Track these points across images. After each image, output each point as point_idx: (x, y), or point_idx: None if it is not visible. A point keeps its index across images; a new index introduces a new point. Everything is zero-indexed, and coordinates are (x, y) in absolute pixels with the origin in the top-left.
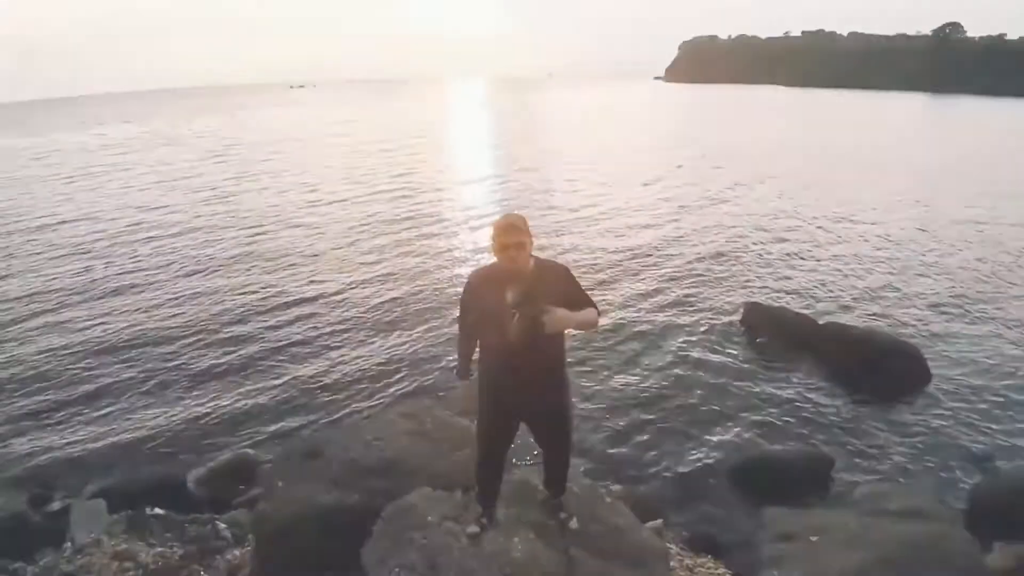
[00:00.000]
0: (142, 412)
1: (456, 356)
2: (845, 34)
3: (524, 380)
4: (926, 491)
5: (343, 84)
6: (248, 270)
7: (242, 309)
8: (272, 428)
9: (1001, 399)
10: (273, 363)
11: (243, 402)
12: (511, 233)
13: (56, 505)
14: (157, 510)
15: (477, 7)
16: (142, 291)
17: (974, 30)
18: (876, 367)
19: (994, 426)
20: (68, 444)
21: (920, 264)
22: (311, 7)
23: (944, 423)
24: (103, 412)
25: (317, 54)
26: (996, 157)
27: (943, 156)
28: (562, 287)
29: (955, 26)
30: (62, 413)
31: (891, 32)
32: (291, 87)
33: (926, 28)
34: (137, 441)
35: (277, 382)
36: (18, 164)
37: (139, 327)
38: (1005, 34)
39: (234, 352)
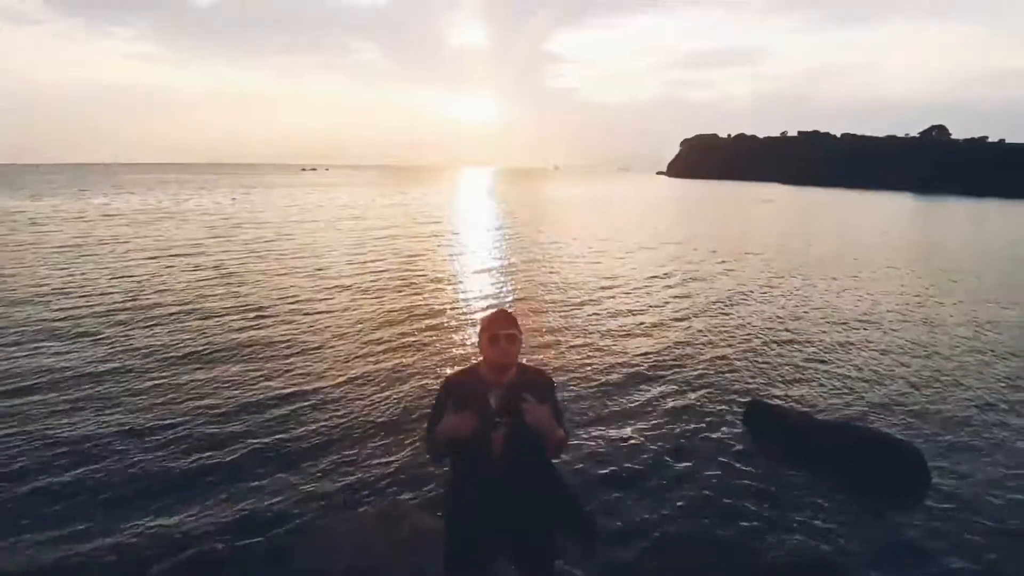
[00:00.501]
0: (98, 520)
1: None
2: (839, 135)
3: (509, 496)
4: None
5: (353, 168)
6: (236, 359)
7: (221, 402)
8: (231, 529)
9: (1002, 508)
10: (227, 456)
11: (194, 496)
12: (504, 323)
13: None
14: None
15: (485, 99)
16: (121, 379)
17: (958, 133)
18: (877, 466)
19: (993, 539)
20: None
21: (927, 363)
22: (322, 92)
23: (943, 528)
24: (58, 519)
25: (328, 138)
26: (995, 259)
27: (946, 258)
28: (545, 399)
29: (941, 128)
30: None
31: (882, 134)
32: (302, 169)
33: (915, 130)
34: (90, 556)
35: (234, 477)
36: (12, 228)
37: (108, 420)
38: (987, 136)
39: (207, 452)
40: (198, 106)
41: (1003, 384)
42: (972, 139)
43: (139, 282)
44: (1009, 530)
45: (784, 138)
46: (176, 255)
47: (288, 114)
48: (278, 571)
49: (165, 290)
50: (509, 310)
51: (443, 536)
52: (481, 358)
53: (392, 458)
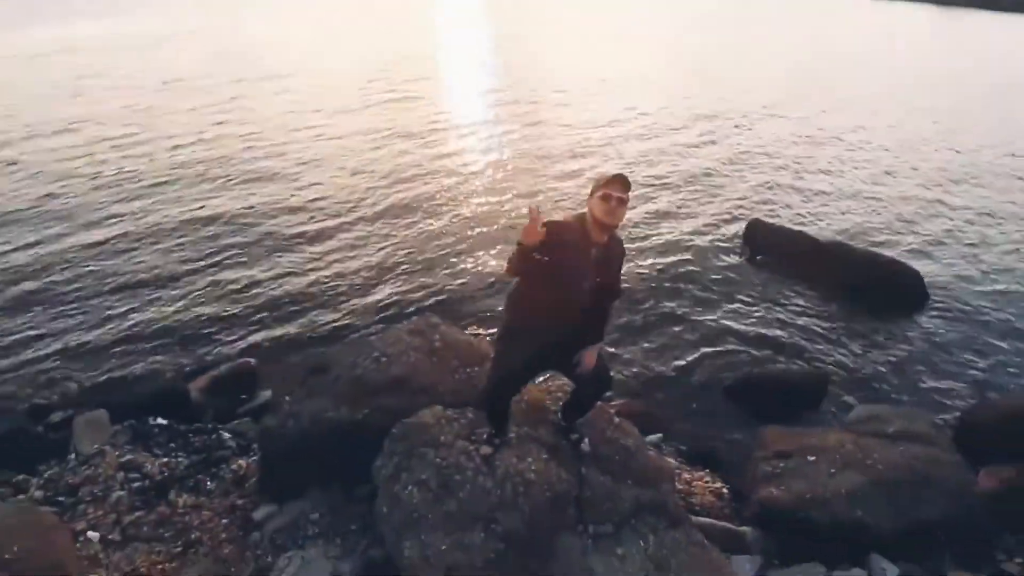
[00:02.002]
0: (141, 320)
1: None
2: None
3: (576, 338)
4: (920, 414)
5: None
6: (260, 181)
7: (251, 218)
8: (276, 340)
9: (997, 325)
10: (277, 275)
11: (246, 313)
12: (620, 186)
13: (58, 417)
14: (160, 420)
15: None
16: (149, 197)
17: None
18: (875, 286)
19: (988, 351)
20: (66, 355)
21: (927, 190)
22: None
23: (940, 346)
24: (100, 322)
25: None
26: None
27: (959, 75)
28: (618, 264)
29: None
30: (58, 322)
31: None
32: None
33: None
34: (137, 350)
35: (280, 293)
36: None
37: (139, 233)
38: None
39: (237, 262)
40: None
41: (1004, 213)
42: None
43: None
44: (1002, 341)
45: None
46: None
47: None
48: (324, 380)
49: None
50: (624, 174)
51: (497, 348)
52: (588, 213)
53: (419, 284)
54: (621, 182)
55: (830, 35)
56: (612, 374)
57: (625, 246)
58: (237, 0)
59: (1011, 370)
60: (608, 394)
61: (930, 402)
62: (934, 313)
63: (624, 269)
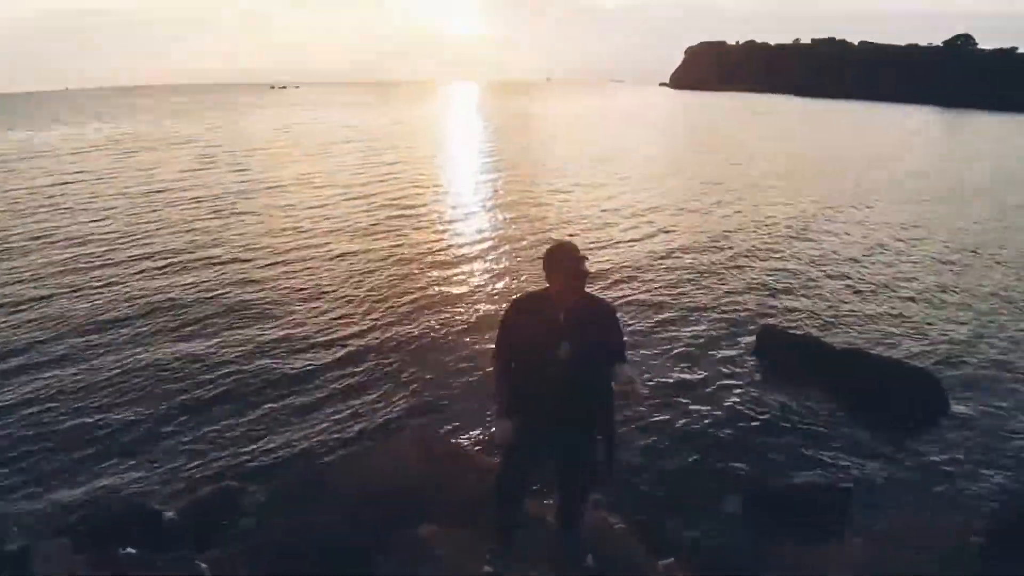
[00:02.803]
0: (109, 433)
1: (495, 390)
2: (856, 43)
3: (569, 407)
4: (941, 525)
5: (328, 86)
6: (256, 295)
7: (235, 324)
8: (262, 456)
9: (1015, 429)
10: (261, 382)
11: (228, 424)
12: (583, 262)
13: (13, 546)
14: (129, 549)
15: (470, 8)
16: (117, 300)
17: (985, 43)
18: (893, 395)
19: (1008, 457)
20: (23, 474)
21: (941, 291)
22: (293, 5)
23: (959, 453)
24: (63, 432)
25: (299, 54)
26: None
27: (970, 177)
28: (607, 321)
29: (967, 38)
30: (14, 435)
31: (903, 42)
32: (271, 87)
33: (938, 39)
34: (104, 467)
35: (267, 404)
36: None
37: (110, 346)
38: (1016, 47)
39: (218, 369)
40: (153, 26)
41: (1011, 310)
42: (1001, 49)
43: (133, 223)
44: (1015, 458)
45: (797, 45)
46: (163, 191)
47: (251, 30)
48: (319, 497)
49: (164, 230)
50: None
51: (498, 448)
52: (551, 286)
53: (419, 388)
54: (579, 258)
55: (839, 136)
56: (621, 490)
57: (644, 344)
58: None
59: None
60: (620, 517)
61: (952, 513)
62: (955, 421)
63: (636, 372)
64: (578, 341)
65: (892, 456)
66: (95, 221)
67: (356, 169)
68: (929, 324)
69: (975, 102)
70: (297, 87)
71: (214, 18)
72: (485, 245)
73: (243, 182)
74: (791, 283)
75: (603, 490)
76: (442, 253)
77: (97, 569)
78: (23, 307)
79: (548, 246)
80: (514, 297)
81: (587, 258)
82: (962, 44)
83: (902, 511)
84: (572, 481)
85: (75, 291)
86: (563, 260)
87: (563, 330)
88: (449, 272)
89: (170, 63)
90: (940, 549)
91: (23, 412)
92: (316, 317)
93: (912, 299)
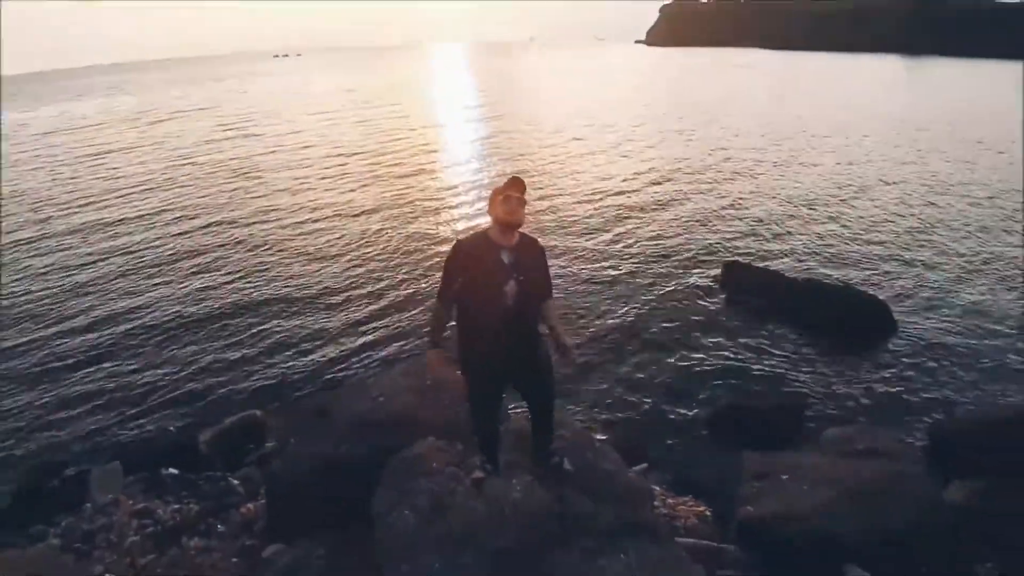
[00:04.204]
0: (150, 377)
1: (430, 326)
2: None
3: (513, 342)
4: (890, 433)
5: (325, 52)
6: (259, 238)
7: (248, 277)
8: (279, 390)
9: (961, 348)
10: (276, 329)
11: (249, 365)
12: (516, 186)
13: (72, 471)
14: (172, 470)
15: None
16: (155, 262)
17: None
18: (846, 320)
19: (953, 373)
20: (80, 412)
21: (892, 223)
22: None
23: (908, 370)
24: (111, 378)
25: (297, 23)
26: (978, 118)
27: (924, 118)
28: (539, 260)
29: None
30: (70, 382)
31: None
32: (275, 56)
33: None
34: (147, 405)
35: (282, 347)
36: (16, 143)
37: (147, 296)
38: None
39: (239, 319)
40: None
41: (966, 244)
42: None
43: (166, 188)
44: (966, 362)
45: (768, 1)
46: (189, 157)
47: (253, 3)
48: (327, 423)
49: (195, 194)
50: (519, 176)
51: (462, 378)
52: (491, 222)
53: (409, 321)
54: (516, 183)
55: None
56: (598, 409)
57: (616, 282)
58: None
59: (975, 390)
60: (598, 430)
61: (899, 422)
62: (902, 340)
63: (609, 308)
64: (521, 279)
65: (843, 375)
66: (130, 189)
67: (362, 129)
68: (883, 255)
69: (939, 49)
70: (299, 55)
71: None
72: (477, 194)
73: (263, 147)
74: (755, 221)
75: (583, 405)
76: (437, 207)
77: (145, 488)
78: (73, 269)
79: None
80: (456, 240)
81: (524, 193)
82: None
83: (851, 424)
84: (535, 393)
85: (117, 252)
86: (503, 190)
87: (508, 269)
88: (439, 225)
89: (172, 36)
90: (885, 457)
91: (74, 356)
92: (322, 270)
93: (868, 235)
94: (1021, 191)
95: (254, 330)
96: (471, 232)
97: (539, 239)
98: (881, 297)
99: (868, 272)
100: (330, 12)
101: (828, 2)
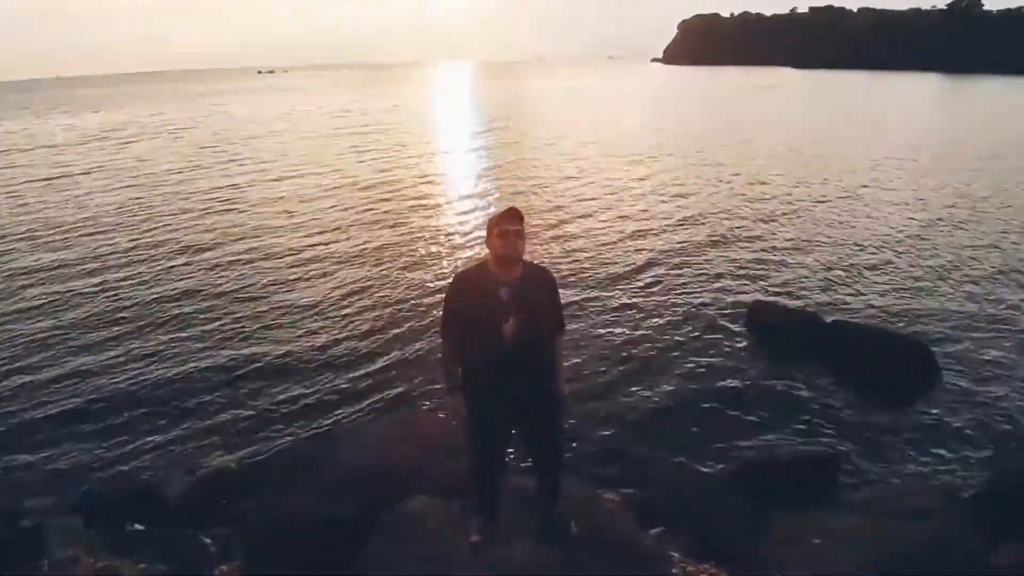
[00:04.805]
0: (116, 421)
1: (442, 368)
2: (855, 9)
3: (518, 382)
4: (932, 490)
5: (315, 70)
6: (236, 273)
7: (226, 314)
8: (257, 439)
9: (1008, 398)
10: (255, 374)
11: (225, 412)
12: (513, 219)
13: (28, 522)
14: (138, 525)
15: None
16: (121, 305)
17: (991, 3)
18: (884, 365)
19: (1000, 425)
20: (38, 458)
21: (935, 261)
22: None
23: (952, 421)
24: (73, 423)
25: (286, 38)
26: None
27: (971, 146)
28: (547, 294)
29: None
30: (31, 427)
31: (904, 6)
32: (259, 72)
33: (941, 2)
34: (113, 453)
35: (261, 393)
36: None
37: (117, 337)
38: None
39: (216, 362)
40: (137, 11)
41: (1006, 281)
42: (1008, 10)
43: (122, 214)
44: (1016, 420)
45: (794, 15)
46: (163, 184)
47: (237, 13)
48: (311, 477)
49: (166, 222)
50: (516, 207)
51: (462, 422)
52: (489, 255)
53: (403, 364)
54: (512, 215)
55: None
56: (610, 463)
57: (631, 321)
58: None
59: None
60: (608, 490)
61: (942, 478)
62: (945, 387)
63: (622, 349)
64: (522, 315)
65: (882, 425)
66: (99, 213)
67: (355, 156)
68: (923, 296)
69: (981, 67)
70: (285, 71)
71: (196, 5)
72: (476, 232)
73: (245, 176)
74: (783, 258)
75: (591, 462)
76: (434, 241)
77: (109, 544)
78: (34, 297)
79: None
80: (455, 274)
81: (523, 224)
82: (967, 6)
83: (890, 481)
84: (541, 445)
85: (83, 279)
86: (499, 223)
87: (507, 306)
88: (438, 260)
89: (156, 49)
90: (928, 518)
91: (34, 399)
92: (307, 307)
93: (906, 271)
94: None
95: (231, 375)
96: (472, 264)
97: (549, 269)
98: (923, 341)
99: (904, 309)
100: (316, 27)
101: (855, 18)
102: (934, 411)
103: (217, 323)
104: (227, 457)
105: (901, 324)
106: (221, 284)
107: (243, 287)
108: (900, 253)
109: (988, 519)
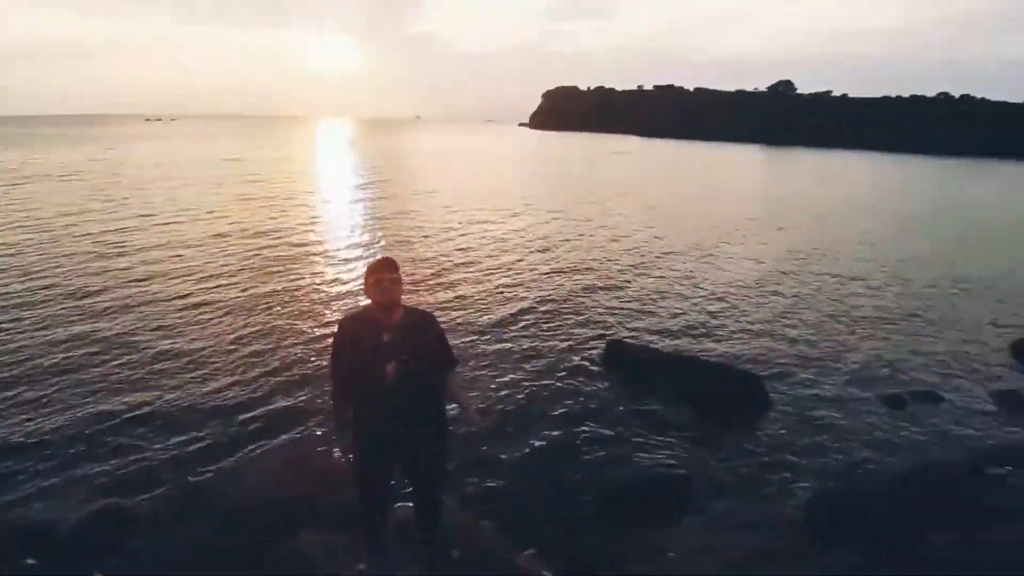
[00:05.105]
0: (3, 467)
1: (332, 409)
2: (692, 89)
3: (402, 421)
4: (770, 505)
5: (203, 119)
6: (124, 319)
7: (114, 360)
8: (148, 475)
9: (830, 420)
10: (144, 411)
11: (117, 456)
12: (387, 267)
13: None
14: (31, 560)
15: (344, 46)
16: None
17: (804, 87)
18: (726, 396)
19: (825, 445)
20: None
21: (769, 306)
22: (161, 35)
23: (783, 442)
24: None
25: (174, 87)
26: (835, 204)
27: (794, 207)
28: (430, 334)
29: (787, 83)
30: None
31: (732, 88)
32: (147, 119)
33: (763, 85)
34: (2, 499)
35: (151, 430)
36: None
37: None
38: (831, 91)
39: (104, 407)
40: (17, 58)
41: (829, 318)
42: (816, 93)
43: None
44: (838, 437)
45: (641, 91)
46: (49, 228)
47: (124, 61)
48: (201, 510)
49: (52, 267)
50: (390, 256)
51: (350, 463)
52: (369, 301)
53: (290, 404)
54: (387, 264)
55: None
56: (487, 495)
57: (499, 361)
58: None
59: (846, 459)
60: (483, 515)
61: (778, 494)
62: (775, 414)
63: (492, 388)
64: (404, 359)
65: (726, 448)
66: None
67: (243, 204)
68: (758, 336)
69: (797, 140)
70: (173, 119)
71: (83, 50)
72: (358, 279)
73: (133, 217)
74: (635, 301)
75: (467, 489)
76: (319, 288)
77: None
78: None
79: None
80: (342, 317)
81: (398, 272)
82: (783, 89)
83: (734, 497)
84: (421, 483)
85: None
86: (375, 273)
87: (388, 349)
88: (323, 306)
89: (38, 93)
90: (766, 528)
91: None
92: (195, 352)
93: (745, 314)
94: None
95: (120, 419)
96: (357, 308)
97: (431, 312)
98: (757, 374)
99: (743, 347)
100: (203, 78)
101: (693, 95)
102: (767, 434)
103: (104, 368)
104: (118, 496)
105: (740, 360)
106: (109, 330)
107: (130, 332)
108: (739, 299)
109: (816, 528)
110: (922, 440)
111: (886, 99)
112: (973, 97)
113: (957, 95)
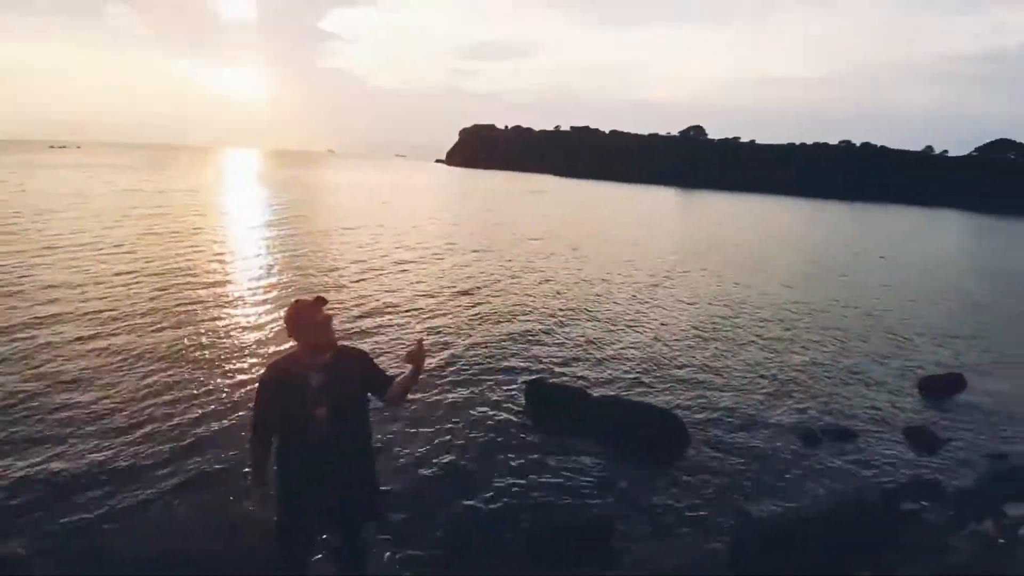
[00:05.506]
0: None
1: (250, 459)
2: (607, 131)
3: (332, 467)
4: (694, 542)
5: (108, 147)
6: (18, 368)
7: (6, 416)
8: (48, 524)
9: (750, 455)
10: (45, 458)
11: (18, 504)
12: (321, 307)
13: None
14: None
15: (254, 76)
16: None
17: (714, 133)
18: (643, 432)
19: (746, 479)
20: None
21: (686, 342)
22: (69, 60)
23: (704, 479)
24: None
25: (82, 114)
26: (745, 244)
27: (707, 245)
28: (363, 367)
29: (698, 128)
30: None
31: (646, 132)
32: (51, 147)
33: (675, 130)
34: None
35: (56, 488)
36: None
37: None
38: (738, 137)
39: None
40: None
41: (748, 358)
42: (726, 139)
43: None
44: (759, 472)
45: (558, 132)
46: None
47: (29, 86)
48: (95, 566)
49: None
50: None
51: (273, 511)
52: (298, 345)
53: (203, 459)
54: (318, 304)
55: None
56: (410, 542)
57: (419, 406)
58: None
59: (767, 495)
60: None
61: (701, 531)
62: (695, 451)
63: (410, 433)
64: (334, 401)
65: (648, 487)
66: None
67: (150, 239)
68: (675, 369)
69: (706, 183)
70: (79, 147)
71: None
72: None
73: (30, 251)
74: (562, 343)
75: (390, 536)
76: (232, 331)
77: None
78: None
79: (286, 309)
80: (264, 370)
81: (329, 312)
82: (695, 133)
83: (653, 533)
84: (349, 529)
85: None
86: (309, 318)
87: (318, 392)
88: (237, 351)
89: None
90: (687, 558)
91: None
92: (96, 403)
93: (662, 352)
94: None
95: (21, 475)
96: (280, 355)
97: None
98: (675, 411)
99: (663, 387)
100: (113, 105)
101: (607, 138)
102: (688, 471)
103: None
104: (14, 544)
105: (658, 397)
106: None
107: (26, 383)
108: (662, 341)
109: (740, 567)
110: (839, 476)
111: (791, 146)
112: (873, 145)
113: (858, 143)
